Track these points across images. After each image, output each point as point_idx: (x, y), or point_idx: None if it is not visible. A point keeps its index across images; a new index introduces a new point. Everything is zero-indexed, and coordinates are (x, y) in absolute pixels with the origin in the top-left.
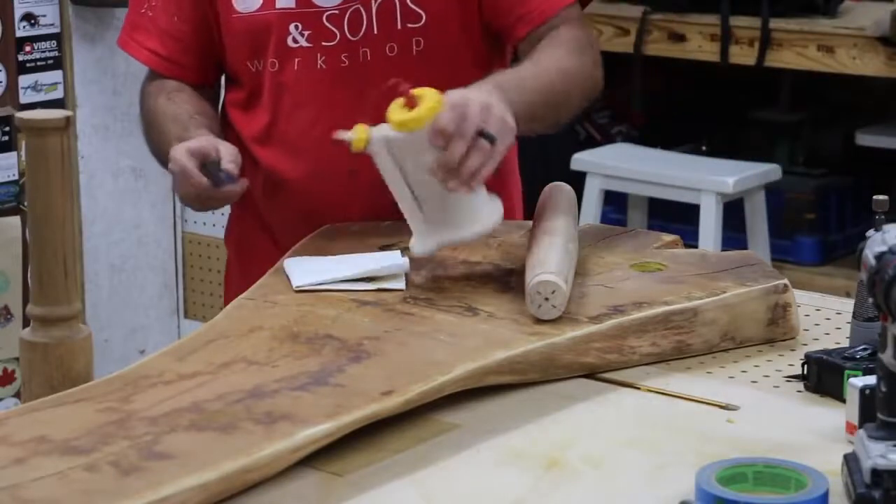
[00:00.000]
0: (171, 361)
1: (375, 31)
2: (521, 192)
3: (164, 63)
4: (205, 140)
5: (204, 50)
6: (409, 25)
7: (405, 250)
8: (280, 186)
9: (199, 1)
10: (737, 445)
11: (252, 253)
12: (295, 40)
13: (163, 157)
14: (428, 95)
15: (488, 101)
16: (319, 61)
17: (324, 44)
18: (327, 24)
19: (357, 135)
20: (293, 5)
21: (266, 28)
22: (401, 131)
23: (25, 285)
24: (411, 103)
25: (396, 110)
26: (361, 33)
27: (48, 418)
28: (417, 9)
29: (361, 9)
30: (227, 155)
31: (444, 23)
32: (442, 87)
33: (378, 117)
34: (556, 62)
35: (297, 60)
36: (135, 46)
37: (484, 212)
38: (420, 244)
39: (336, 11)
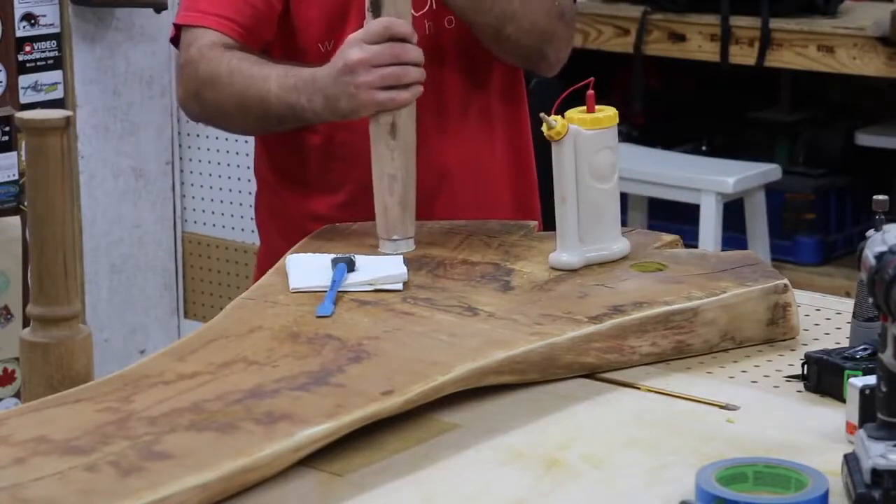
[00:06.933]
0: (171, 361)
1: (434, 7)
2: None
3: (241, 31)
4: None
5: (272, 22)
6: None
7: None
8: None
9: None
10: (737, 445)
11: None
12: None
13: (255, 96)
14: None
15: None
16: None
17: None
18: None
19: (559, 122)
20: None
21: (344, 9)
22: (588, 128)
23: (25, 285)
24: (591, 107)
25: (576, 111)
26: (425, 10)
27: (48, 418)
28: None
29: None
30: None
31: None
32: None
33: (454, 84)
34: None
35: None
36: (199, 17)
37: (618, 231)
38: (567, 256)
39: None
